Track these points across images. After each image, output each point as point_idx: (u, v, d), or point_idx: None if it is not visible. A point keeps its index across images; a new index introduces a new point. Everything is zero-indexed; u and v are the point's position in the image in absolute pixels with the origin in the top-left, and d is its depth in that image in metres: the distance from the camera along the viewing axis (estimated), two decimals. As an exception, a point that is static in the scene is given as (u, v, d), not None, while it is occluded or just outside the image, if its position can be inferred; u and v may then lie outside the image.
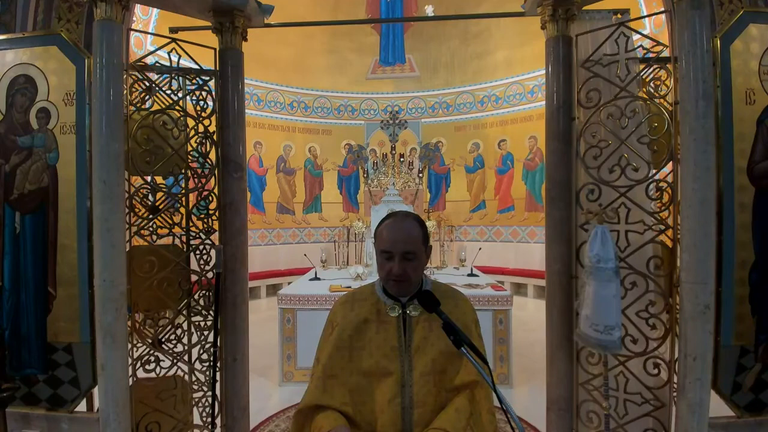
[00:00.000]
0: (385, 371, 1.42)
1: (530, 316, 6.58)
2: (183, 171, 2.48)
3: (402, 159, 7.71)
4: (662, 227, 2.19)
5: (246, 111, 2.66)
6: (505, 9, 3.04)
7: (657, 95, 2.21)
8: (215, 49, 2.56)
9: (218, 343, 2.47)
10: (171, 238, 2.47)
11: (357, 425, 1.40)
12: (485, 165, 8.92)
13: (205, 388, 2.52)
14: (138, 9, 5.96)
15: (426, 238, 1.45)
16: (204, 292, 2.51)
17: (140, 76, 2.36)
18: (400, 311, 1.47)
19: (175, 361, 2.43)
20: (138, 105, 2.36)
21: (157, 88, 2.41)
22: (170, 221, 2.46)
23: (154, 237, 2.41)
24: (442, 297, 1.37)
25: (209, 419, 2.44)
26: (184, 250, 2.48)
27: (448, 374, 1.41)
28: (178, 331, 2.46)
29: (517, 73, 8.39)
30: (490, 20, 8.44)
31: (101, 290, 2.07)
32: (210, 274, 2.49)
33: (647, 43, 2.35)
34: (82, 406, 2.52)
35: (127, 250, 2.23)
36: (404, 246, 1.38)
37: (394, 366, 1.42)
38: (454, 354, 1.38)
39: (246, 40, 2.66)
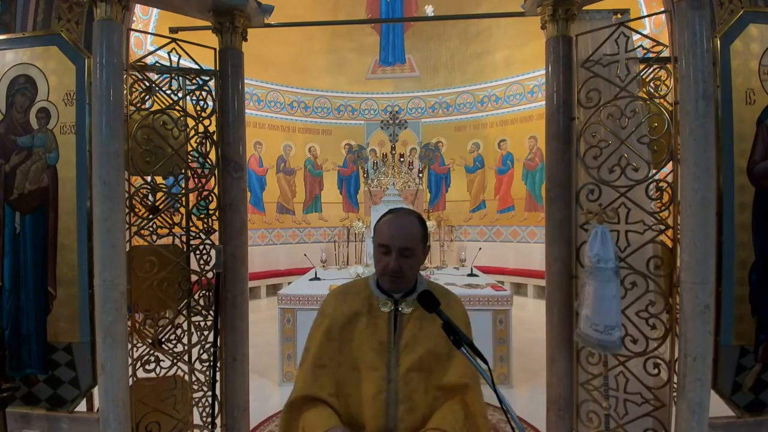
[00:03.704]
0: (371, 365, 1.41)
1: (530, 316, 6.57)
2: (183, 171, 2.48)
3: (402, 159, 7.70)
4: (662, 227, 2.19)
5: (246, 111, 2.66)
6: (505, 9, 3.04)
7: (657, 95, 2.21)
8: (215, 49, 2.56)
9: (218, 343, 2.47)
10: (171, 238, 2.47)
11: (340, 418, 1.40)
12: (485, 165, 8.91)
13: (205, 388, 2.52)
14: (138, 9, 5.96)
15: (425, 237, 1.45)
16: (204, 292, 2.51)
17: (140, 76, 2.36)
18: (392, 307, 1.46)
19: (175, 361, 2.43)
20: (138, 105, 2.36)
21: (157, 88, 2.41)
22: (170, 221, 2.47)
23: (154, 237, 2.41)
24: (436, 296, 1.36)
25: (209, 419, 2.44)
26: (184, 250, 2.48)
27: (436, 374, 1.40)
28: (178, 331, 2.46)
29: (517, 73, 8.38)
30: (490, 20, 8.43)
31: (101, 290, 2.07)
32: (210, 274, 2.49)
33: (647, 43, 2.35)
34: (82, 406, 2.53)
35: (127, 250, 2.23)
36: (402, 242, 1.38)
37: (381, 361, 1.41)
38: (443, 354, 1.39)
39: (246, 40, 2.66)
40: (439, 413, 1.38)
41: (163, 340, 2.41)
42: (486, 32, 8.68)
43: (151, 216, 2.38)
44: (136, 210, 2.37)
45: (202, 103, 2.52)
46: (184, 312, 2.47)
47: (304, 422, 1.39)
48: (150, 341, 2.37)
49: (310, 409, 1.40)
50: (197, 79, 2.51)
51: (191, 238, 2.51)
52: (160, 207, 2.42)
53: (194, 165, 2.52)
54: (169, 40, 2.43)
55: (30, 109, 2.46)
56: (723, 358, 2.34)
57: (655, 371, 2.19)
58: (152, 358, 2.39)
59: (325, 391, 1.40)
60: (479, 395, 1.41)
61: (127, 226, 2.25)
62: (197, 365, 2.51)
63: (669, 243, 2.20)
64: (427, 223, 1.61)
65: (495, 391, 1.15)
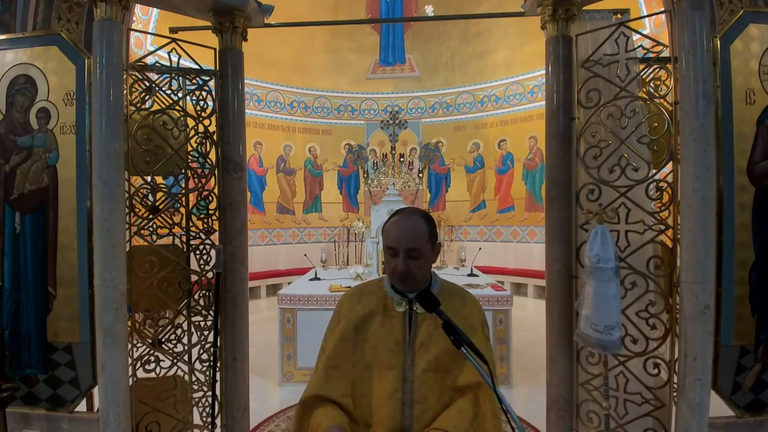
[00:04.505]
0: (387, 365, 1.42)
1: (530, 316, 6.57)
2: (183, 171, 2.48)
3: (402, 159, 7.70)
4: (662, 227, 2.19)
5: (246, 111, 2.66)
6: (505, 9, 3.04)
7: (657, 95, 2.21)
8: (215, 49, 2.56)
9: (218, 343, 2.47)
10: (171, 238, 2.47)
11: (353, 419, 1.40)
12: (485, 165, 8.91)
13: (205, 388, 2.52)
14: (138, 9, 5.96)
15: (433, 236, 1.45)
16: (204, 292, 2.51)
17: (140, 76, 2.36)
18: (407, 307, 1.47)
19: (175, 361, 2.43)
20: (138, 105, 2.36)
21: (157, 88, 2.41)
22: (170, 221, 2.46)
23: (154, 237, 2.41)
24: (450, 296, 1.36)
25: (209, 419, 2.44)
26: (184, 250, 2.48)
27: (452, 373, 1.41)
28: (178, 331, 2.46)
29: (517, 73, 8.38)
30: (490, 20, 8.43)
31: (101, 290, 2.07)
32: (210, 274, 2.49)
33: (647, 43, 2.34)
34: (82, 406, 2.52)
35: (127, 250, 2.23)
36: (408, 243, 1.38)
37: (397, 360, 1.42)
38: (459, 353, 1.38)
39: (246, 40, 2.66)
40: (447, 412, 1.38)
41: (163, 340, 2.41)
42: (486, 32, 8.68)
43: (151, 216, 2.38)
44: (136, 210, 2.37)
45: (202, 103, 2.52)
46: (184, 312, 2.47)
47: (313, 420, 1.41)
48: (150, 341, 2.36)
49: (319, 409, 1.41)
50: (197, 79, 2.51)
51: (191, 238, 2.51)
52: (160, 207, 2.42)
53: (194, 165, 2.52)
54: (169, 40, 2.43)
55: (30, 109, 2.46)
56: (723, 358, 2.34)
57: (655, 371, 2.19)
58: (152, 358, 2.39)
59: (338, 392, 1.41)
60: (492, 392, 1.41)
61: (127, 226, 2.25)
62: (197, 365, 2.51)
63: (669, 243, 2.20)
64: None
65: (495, 391, 1.15)
